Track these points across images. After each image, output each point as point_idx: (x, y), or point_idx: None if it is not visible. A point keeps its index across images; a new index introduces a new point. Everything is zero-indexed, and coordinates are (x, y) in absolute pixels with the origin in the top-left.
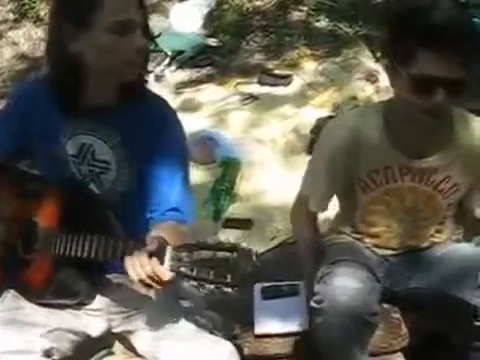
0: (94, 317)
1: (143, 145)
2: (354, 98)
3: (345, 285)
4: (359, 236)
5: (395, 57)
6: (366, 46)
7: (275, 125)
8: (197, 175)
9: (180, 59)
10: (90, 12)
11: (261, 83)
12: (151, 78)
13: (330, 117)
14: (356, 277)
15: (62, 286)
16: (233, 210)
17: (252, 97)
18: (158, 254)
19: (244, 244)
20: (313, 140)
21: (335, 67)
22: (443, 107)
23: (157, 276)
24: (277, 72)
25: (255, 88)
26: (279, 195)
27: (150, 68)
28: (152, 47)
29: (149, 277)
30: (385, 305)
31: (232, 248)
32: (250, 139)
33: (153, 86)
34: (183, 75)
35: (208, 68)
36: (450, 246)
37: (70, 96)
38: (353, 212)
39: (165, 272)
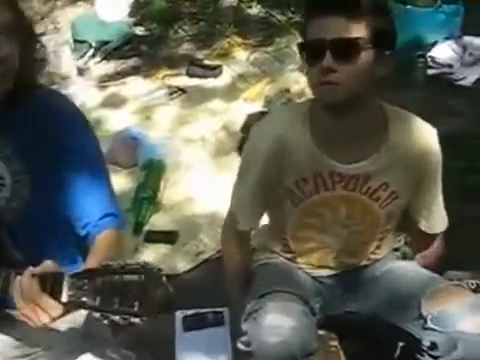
0: None
1: (42, 153)
2: (287, 91)
3: (277, 325)
4: (291, 255)
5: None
6: (300, 34)
7: (204, 122)
8: (118, 181)
9: (105, 50)
10: None
11: (190, 75)
12: (74, 71)
13: (262, 113)
14: (289, 313)
15: None
16: (156, 221)
17: (180, 90)
18: (53, 283)
19: (153, 264)
20: (244, 139)
21: (267, 57)
22: (346, 103)
23: (46, 310)
24: (207, 63)
25: (183, 80)
26: (207, 202)
27: (73, 60)
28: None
29: (37, 311)
30: (321, 331)
31: (138, 269)
32: (177, 138)
33: (77, 80)
34: (108, 67)
35: (134, 59)
36: (390, 263)
37: None
38: (284, 228)
39: (54, 305)
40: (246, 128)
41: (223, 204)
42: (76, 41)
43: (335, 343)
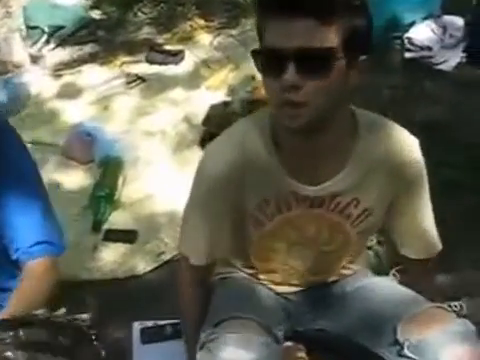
0: None
1: None
2: (252, 78)
3: (233, 359)
4: (252, 271)
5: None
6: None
7: (164, 113)
8: (76, 177)
9: (59, 36)
10: None
11: (149, 61)
12: (27, 59)
13: (225, 103)
14: (248, 346)
15: None
16: (116, 219)
17: (139, 79)
18: None
19: (83, 317)
20: (206, 133)
21: (231, 41)
22: (313, 126)
23: None
24: (167, 48)
25: (143, 68)
26: (168, 199)
27: (26, 47)
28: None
29: None
30: (288, 343)
31: (66, 326)
32: (136, 131)
33: (30, 68)
34: (63, 54)
35: (91, 45)
36: (364, 279)
37: None
38: (244, 245)
39: None
40: (208, 120)
41: (184, 202)
42: (28, 27)
43: (302, 354)
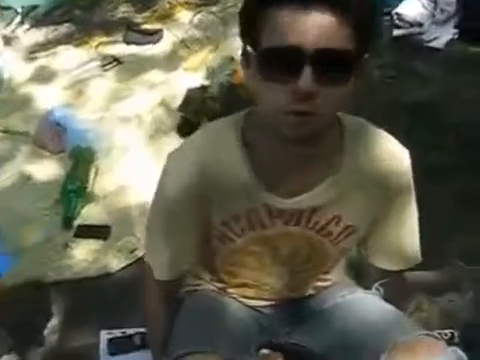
0: None
1: None
2: (231, 59)
3: None
4: (222, 285)
5: (244, 34)
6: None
7: (141, 97)
8: (47, 167)
9: (34, 16)
10: None
11: (127, 42)
12: (0, 42)
13: (203, 87)
14: None
15: None
16: (88, 213)
17: (115, 60)
18: None
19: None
20: (183, 119)
21: (212, 19)
22: (312, 136)
23: None
24: (146, 27)
25: (120, 48)
26: (142, 191)
27: None
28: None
29: None
30: (264, 350)
31: None
32: (111, 117)
33: (4, 50)
34: (38, 35)
35: (67, 25)
36: (344, 294)
37: None
38: (213, 261)
39: None
40: (185, 106)
41: None
42: (1, 7)
43: None
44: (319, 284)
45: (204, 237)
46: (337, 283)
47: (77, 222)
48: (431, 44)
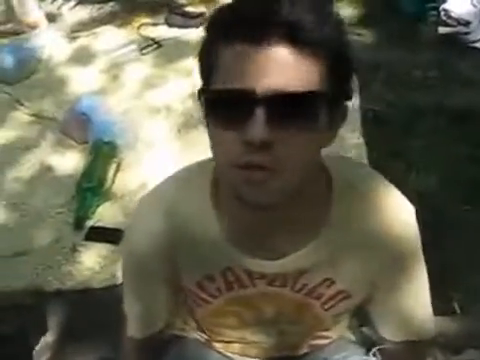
0: None
1: None
2: None
3: None
4: (207, 337)
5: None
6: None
7: (174, 85)
8: (71, 157)
9: None
10: None
11: (169, 24)
12: (44, 20)
13: None
14: None
15: None
16: (103, 213)
17: (155, 43)
18: None
19: None
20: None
21: None
22: (281, 201)
23: None
24: (189, 10)
25: (162, 31)
26: None
27: (46, 5)
28: None
29: None
30: None
31: None
32: (139, 106)
33: (46, 29)
34: (82, 13)
35: (112, 4)
36: (341, 356)
37: None
38: (192, 313)
39: None
40: None
41: None
42: None
43: None
44: (315, 342)
45: (179, 294)
46: (336, 340)
47: (90, 222)
48: (476, 44)
